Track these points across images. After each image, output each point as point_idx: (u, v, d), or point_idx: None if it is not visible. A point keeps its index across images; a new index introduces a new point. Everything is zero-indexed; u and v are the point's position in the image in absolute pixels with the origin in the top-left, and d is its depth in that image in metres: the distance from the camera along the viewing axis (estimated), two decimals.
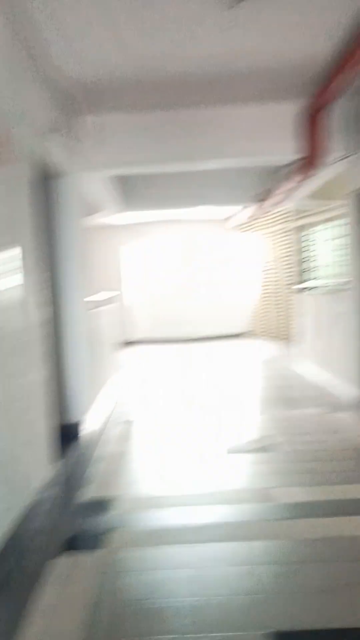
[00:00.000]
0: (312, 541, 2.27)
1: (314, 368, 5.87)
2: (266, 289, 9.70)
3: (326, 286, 7.47)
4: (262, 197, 6.50)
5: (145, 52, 3.19)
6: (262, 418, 4.12)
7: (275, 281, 9.36)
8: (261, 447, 3.39)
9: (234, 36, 3.02)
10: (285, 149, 4.18)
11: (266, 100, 4.09)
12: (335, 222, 8.09)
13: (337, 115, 4.11)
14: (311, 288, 7.40)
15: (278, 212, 9.02)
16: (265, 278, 9.67)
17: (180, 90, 3.82)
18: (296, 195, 6.17)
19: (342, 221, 5.61)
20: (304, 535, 2.32)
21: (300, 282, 8.49)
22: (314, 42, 3.13)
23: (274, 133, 4.17)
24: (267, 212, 6.75)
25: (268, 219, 9.42)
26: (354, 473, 2.93)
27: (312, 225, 8.44)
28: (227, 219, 9.71)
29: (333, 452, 3.24)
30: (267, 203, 6.33)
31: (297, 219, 8.67)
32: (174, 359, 7.69)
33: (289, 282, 8.94)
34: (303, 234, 8.67)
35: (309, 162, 4.11)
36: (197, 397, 4.99)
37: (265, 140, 4.21)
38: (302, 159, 4.24)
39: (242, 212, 8.63)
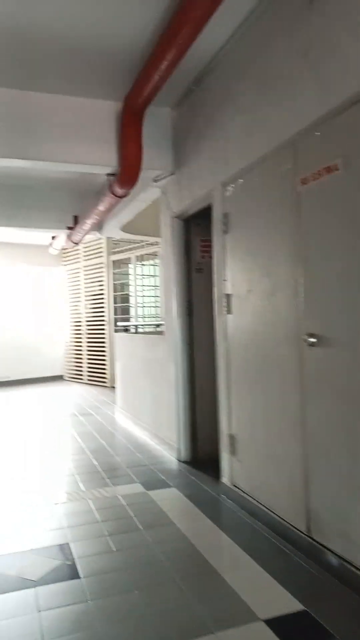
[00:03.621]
0: None
1: (130, 423, 5.08)
2: (81, 329, 8.78)
3: (142, 327, 6.90)
4: (70, 224, 5.65)
5: None
6: (55, 510, 2.97)
7: (93, 320, 8.51)
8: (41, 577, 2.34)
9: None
10: (100, 158, 3.34)
11: (81, 93, 3.23)
12: (152, 260, 7.71)
13: (156, 123, 3.45)
14: (127, 329, 6.73)
15: (92, 244, 8.27)
16: (80, 316, 8.78)
17: None
18: (108, 224, 5.47)
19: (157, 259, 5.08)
20: None
21: (117, 321, 7.81)
22: (126, 17, 2.43)
23: (90, 137, 3.30)
24: (77, 242, 5.89)
25: (83, 251, 8.60)
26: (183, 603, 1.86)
27: (128, 261, 7.89)
28: (50, 245, 8.48)
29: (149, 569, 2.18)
30: (76, 231, 5.50)
31: (112, 254, 8.03)
32: None
33: (106, 321, 8.17)
34: (119, 270, 8.07)
35: (120, 179, 3.39)
36: None
37: (80, 144, 3.29)
38: (113, 175, 3.51)
39: (56, 240, 7.62)
